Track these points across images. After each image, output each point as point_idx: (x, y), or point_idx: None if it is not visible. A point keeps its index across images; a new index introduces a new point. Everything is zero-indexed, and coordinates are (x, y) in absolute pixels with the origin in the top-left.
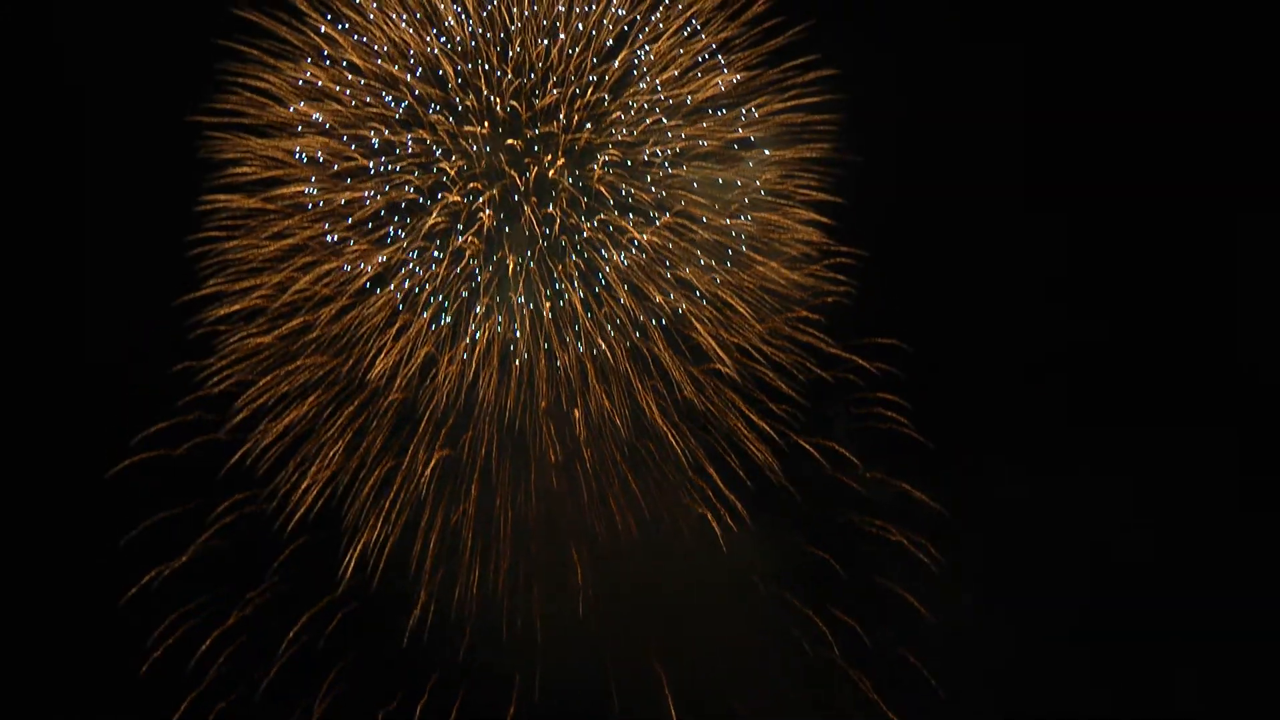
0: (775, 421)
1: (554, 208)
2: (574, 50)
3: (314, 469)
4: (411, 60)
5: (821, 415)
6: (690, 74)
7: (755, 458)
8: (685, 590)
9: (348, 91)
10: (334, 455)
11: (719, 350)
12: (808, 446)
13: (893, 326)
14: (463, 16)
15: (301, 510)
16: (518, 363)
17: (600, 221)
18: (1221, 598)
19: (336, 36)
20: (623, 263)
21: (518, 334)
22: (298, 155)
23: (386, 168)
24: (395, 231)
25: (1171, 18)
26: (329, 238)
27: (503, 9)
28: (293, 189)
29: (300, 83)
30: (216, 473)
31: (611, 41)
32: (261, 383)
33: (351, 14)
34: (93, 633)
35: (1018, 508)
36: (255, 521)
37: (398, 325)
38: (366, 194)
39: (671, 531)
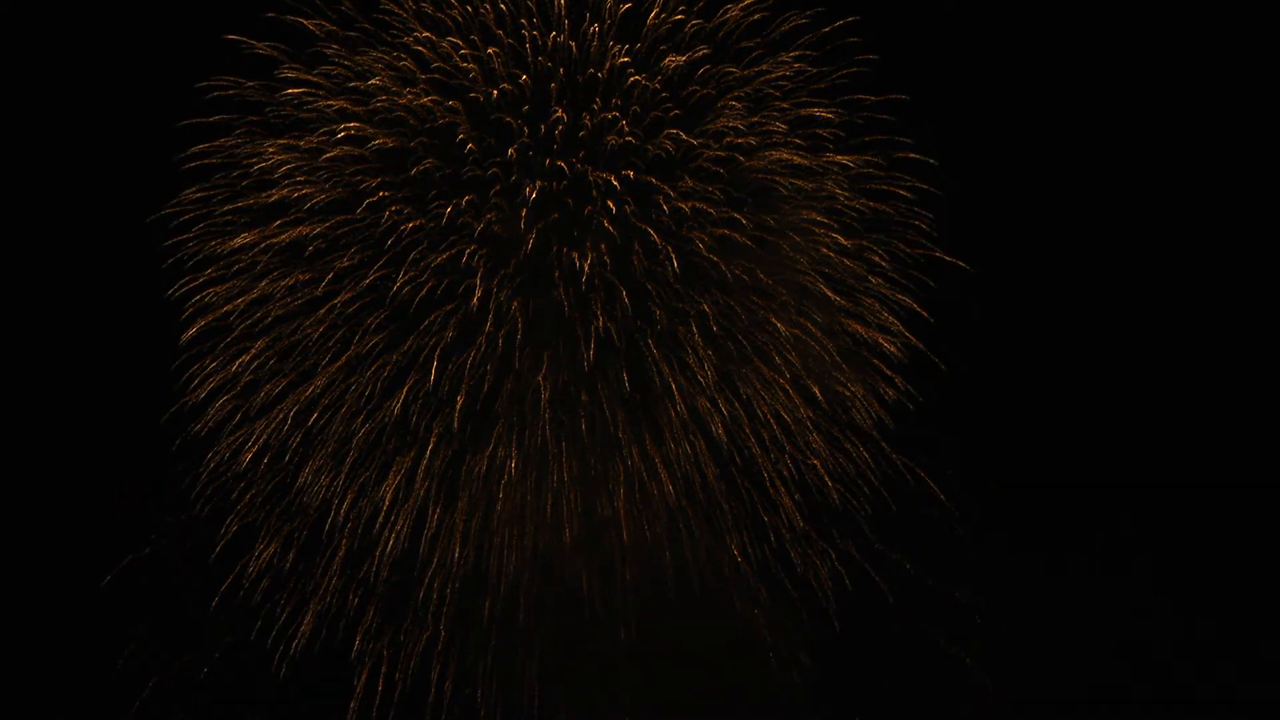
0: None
1: (595, 312)
2: (617, 121)
3: (314, 602)
4: (425, 132)
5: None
6: (756, 154)
7: (808, 575)
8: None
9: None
10: (332, 584)
11: (778, 483)
12: (860, 558)
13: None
14: (476, 78)
15: (299, 639)
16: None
17: (647, 326)
18: None
19: (348, 106)
20: (676, 384)
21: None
22: (283, 247)
23: (392, 260)
24: (400, 335)
25: None
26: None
27: (536, 65)
28: (285, 283)
29: (285, 167)
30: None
31: (661, 115)
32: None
33: (345, 71)
34: None
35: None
36: (248, 651)
37: (407, 459)
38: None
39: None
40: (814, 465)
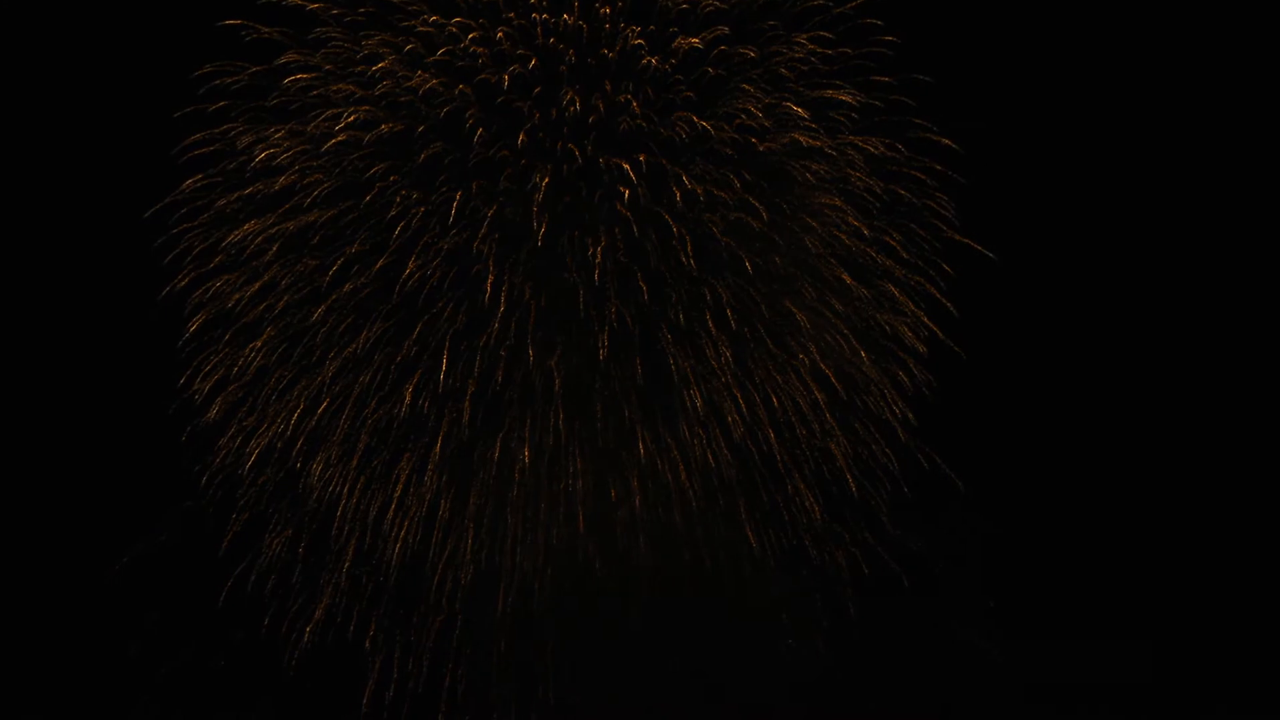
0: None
1: (609, 297)
2: (629, 104)
3: (327, 591)
4: (433, 117)
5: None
6: (772, 137)
7: (824, 561)
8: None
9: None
10: (344, 573)
11: (794, 469)
12: (876, 544)
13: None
14: (485, 61)
15: (312, 625)
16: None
17: (661, 312)
18: None
19: (354, 90)
20: (692, 371)
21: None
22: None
23: (401, 247)
24: (410, 323)
25: None
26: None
27: (546, 48)
28: (293, 271)
29: (289, 153)
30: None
31: (674, 98)
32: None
33: (350, 55)
34: None
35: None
36: (261, 641)
37: (419, 447)
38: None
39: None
40: (830, 451)
